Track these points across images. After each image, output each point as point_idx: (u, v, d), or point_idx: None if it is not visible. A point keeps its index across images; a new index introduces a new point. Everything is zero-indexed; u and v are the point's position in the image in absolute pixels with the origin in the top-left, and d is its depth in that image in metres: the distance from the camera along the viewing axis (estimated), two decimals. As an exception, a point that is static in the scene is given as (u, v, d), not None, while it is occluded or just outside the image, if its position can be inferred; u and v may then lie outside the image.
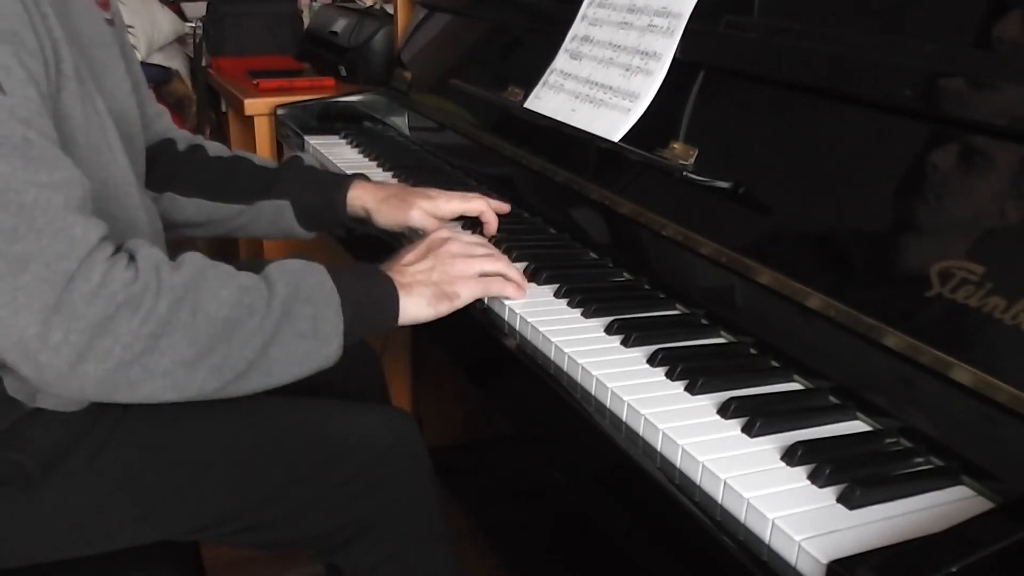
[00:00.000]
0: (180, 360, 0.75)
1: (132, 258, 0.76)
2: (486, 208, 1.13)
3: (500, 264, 0.98)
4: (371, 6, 2.20)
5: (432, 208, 1.12)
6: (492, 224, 1.14)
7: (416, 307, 0.91)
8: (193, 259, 0.80)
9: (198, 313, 0.76)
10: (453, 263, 0.95)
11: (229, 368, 0.78)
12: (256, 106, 1.86)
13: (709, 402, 0.75)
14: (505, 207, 1.16)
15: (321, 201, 1.16)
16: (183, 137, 1.22)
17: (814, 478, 0.65)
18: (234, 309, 0.77)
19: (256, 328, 0.78)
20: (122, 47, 1.03)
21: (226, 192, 1.16)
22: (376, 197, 1.15)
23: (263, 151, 1.89)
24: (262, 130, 1.88)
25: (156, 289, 0.74)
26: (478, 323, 0.96)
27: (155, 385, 0.75)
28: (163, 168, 1.15)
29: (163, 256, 0.78)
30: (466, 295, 0.93)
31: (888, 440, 0.71)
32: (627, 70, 1.10)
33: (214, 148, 1.21)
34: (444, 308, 0.92)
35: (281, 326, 0.79)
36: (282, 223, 1.18)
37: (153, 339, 0.73)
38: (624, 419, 0.75)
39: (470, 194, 1.15)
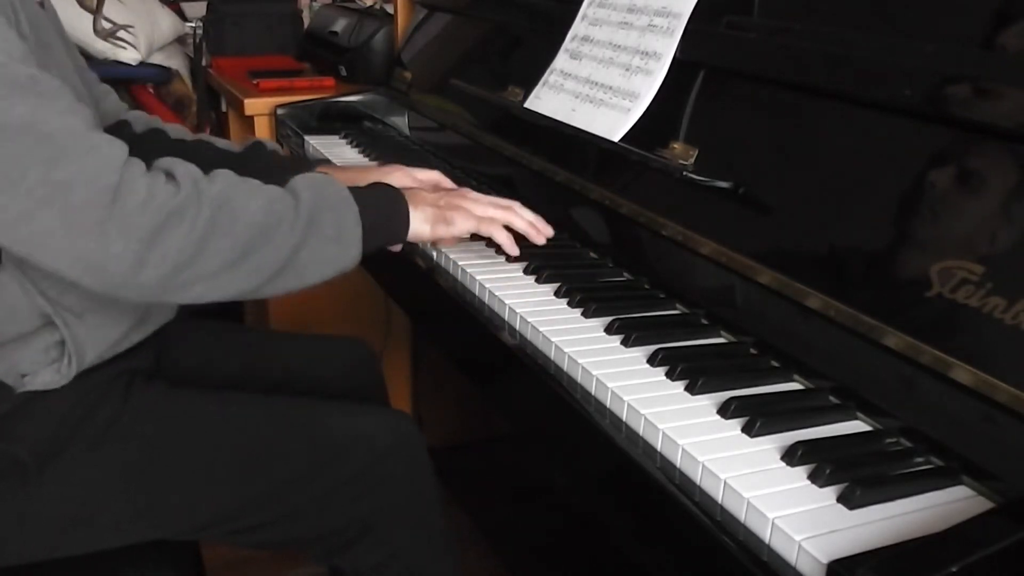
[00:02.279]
0: (224, 263, 0.81)
1: (170, 174, 0.81)
2: (440, 179, 1.15)
3: (503, 213, 1.02)
4: (371, 6, 2.20)
5: None
6: (445, 183, 1.14)
7: (418, 222, 0.97)
8: (224, 174, 0.86)
9: (236, 220, 0.82)
10: (462, 199, 1.01)
11: (267, 268, 0.84)
12: (256, 106, 1.86)
13: (709, 402, 0.75)
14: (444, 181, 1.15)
15: None
16: (140, 119, 1.22)
17: (814, 478, 0.65)
18: (267, 216, 0.83)
19: (287, 232, 0.84)
20: (59, 30, 1.03)
21: None
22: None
23: (263, 151, 1.88)
24: (262, 130, 1.88)
25: (197, 199, 0.80)
26: (478, 323, 0.96)
27: (203, 287, 0.81)
28: None
29: (199, 171, 0.83)
30: (460, 225, 0.99)
31: (888, 440, 0.71)
32: (627, 70, 1.10)
33: (175, 131, 1.22)
34: (441, 231, 0.98)
35: (309, 231, 0.85)
36: None
37: (202, 242, 0.79)
38: (624, 419, 0.75)
39: (427, 170, 1.16)
